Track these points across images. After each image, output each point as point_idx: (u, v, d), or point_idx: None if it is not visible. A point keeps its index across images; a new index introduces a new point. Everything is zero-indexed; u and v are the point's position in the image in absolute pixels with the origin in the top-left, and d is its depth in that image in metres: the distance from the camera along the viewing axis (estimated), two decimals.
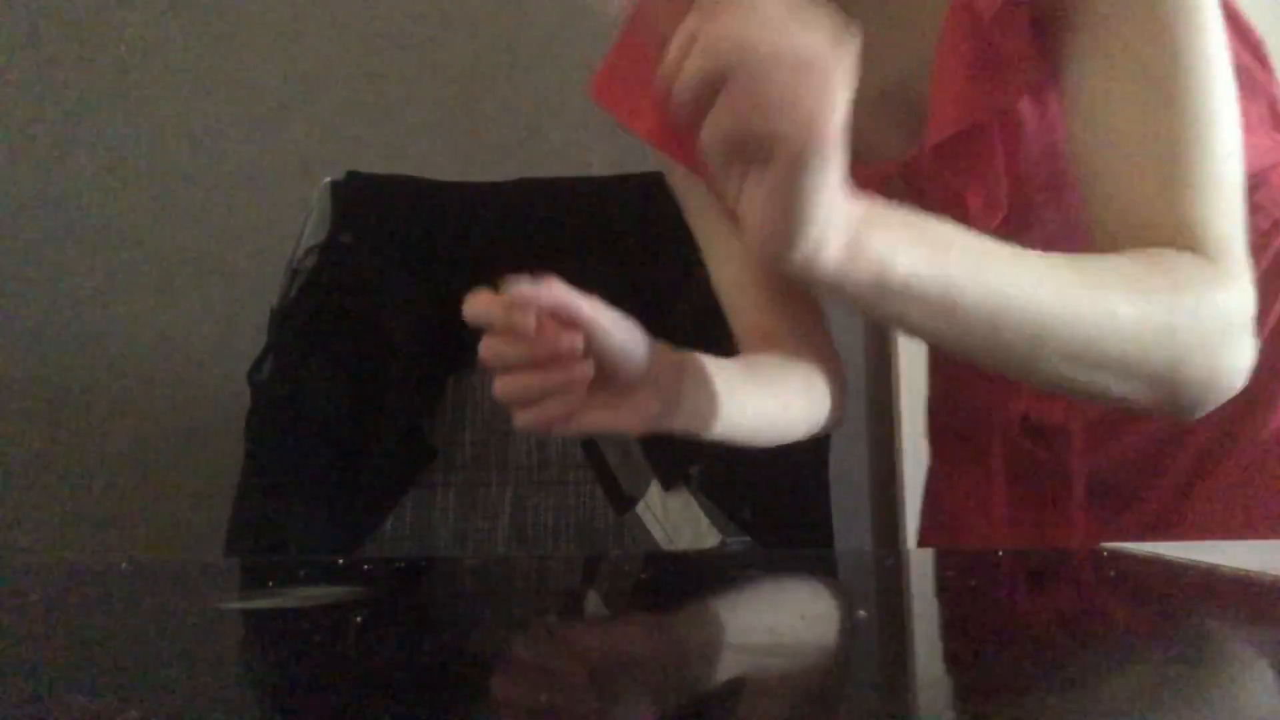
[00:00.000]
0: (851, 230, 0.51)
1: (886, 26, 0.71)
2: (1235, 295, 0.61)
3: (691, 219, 0.86)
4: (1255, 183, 0.76)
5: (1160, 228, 0.62)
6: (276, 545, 1.10)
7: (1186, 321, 0.58)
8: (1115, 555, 0.59)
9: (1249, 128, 0.69)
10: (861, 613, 0.46)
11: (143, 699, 0.31)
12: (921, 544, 0.97)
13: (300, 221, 1.21)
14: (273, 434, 1.14)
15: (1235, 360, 0.61)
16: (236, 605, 0.50)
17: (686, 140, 0.75)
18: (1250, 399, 0.76)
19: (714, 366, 0.69)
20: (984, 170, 0.69)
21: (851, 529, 1.82)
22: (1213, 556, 0.53)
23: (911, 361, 1.75)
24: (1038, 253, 0.58)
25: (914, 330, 0.58)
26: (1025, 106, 0.68)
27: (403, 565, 0.65)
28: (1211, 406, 0.62)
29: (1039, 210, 0.72)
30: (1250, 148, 0.67)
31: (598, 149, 1.75)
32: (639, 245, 0.89)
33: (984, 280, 0.55)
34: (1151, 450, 0.80)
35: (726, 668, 0.36)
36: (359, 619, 0.45)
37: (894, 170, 0.73)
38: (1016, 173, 0.70)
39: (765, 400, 0.75)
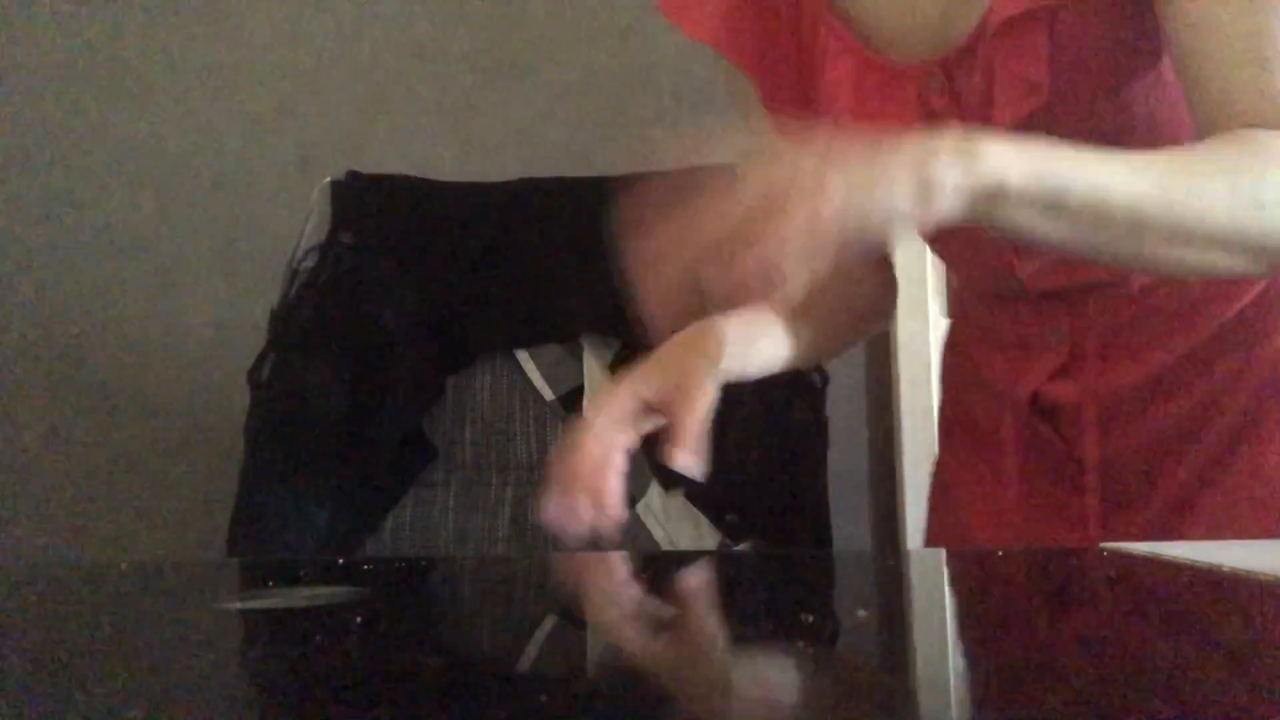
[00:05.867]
0: (955, 164, 0.56)
1: None
2: None
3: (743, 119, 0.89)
4: None
5: (1252, 111, 0.65)
6: (277, 545, 1.10)
7: (1274, 196, 0.62)
8: (1114, 555, 0.59)
9: None
10: (862, 612, 0.46)
11: (143, 699, 0.31)
12: (930, 540, 0.96)
13: (300, 221, 1.21)
14: (273, 434, 1.14)
15: None
16: (236, 605, 0.50)
17: (746, 43, 0.81)
18: (1271, 390, 0.76)
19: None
20: (1031, 54, 0.70)
21: (851, 529, 1.82)
22: (1212, 556, 0.53)
23: (911, 362, 1.75)
24: (1128, 153, 0.62)
25: (1024, 234, 0.61)
26: None
27: (403, 565, 0.65)
28: None
29: (1095, 106, 0.73)
30: None
31: (598, 149, 1.75)
32: None
33: (1087, 178, 0.60)
34: (1168, 439, 0.79)
35: (726, 668, 0.36)
36: (359, 619, 0.45)
37: (934, 68, 0.75)
38: (1071, 60, 0.71)
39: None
